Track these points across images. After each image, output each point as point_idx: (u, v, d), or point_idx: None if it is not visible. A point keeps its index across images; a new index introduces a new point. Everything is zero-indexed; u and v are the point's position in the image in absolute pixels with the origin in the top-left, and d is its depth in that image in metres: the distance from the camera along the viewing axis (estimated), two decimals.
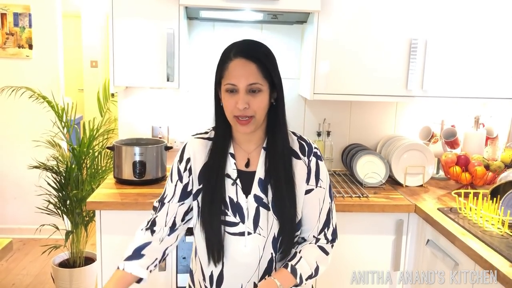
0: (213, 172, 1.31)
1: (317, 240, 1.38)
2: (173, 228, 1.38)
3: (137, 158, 2.25)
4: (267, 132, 1.34)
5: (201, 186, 1.33)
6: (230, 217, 1.31)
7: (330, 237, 1.38)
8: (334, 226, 1.39)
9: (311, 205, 1.36)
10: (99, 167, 3.05)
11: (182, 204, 1.37)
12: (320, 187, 1.36)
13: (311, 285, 1.48)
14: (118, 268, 1.32)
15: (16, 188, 3.93)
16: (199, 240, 1.37)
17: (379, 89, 2.34)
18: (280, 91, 1.31)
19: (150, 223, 1.39)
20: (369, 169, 2.39)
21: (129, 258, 1.32)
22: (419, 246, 2.13)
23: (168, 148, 2.41)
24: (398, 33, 2.29)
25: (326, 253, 1.37)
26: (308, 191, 1.36)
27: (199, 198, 1.34)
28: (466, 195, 2.05)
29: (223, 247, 1.31)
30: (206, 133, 1.40)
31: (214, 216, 1.30)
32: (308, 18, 2.40)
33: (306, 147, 1.37)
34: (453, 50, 2.32)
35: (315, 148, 1.38)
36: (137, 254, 1.33)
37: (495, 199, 1.95)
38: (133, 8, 2.19)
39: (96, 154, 3.03)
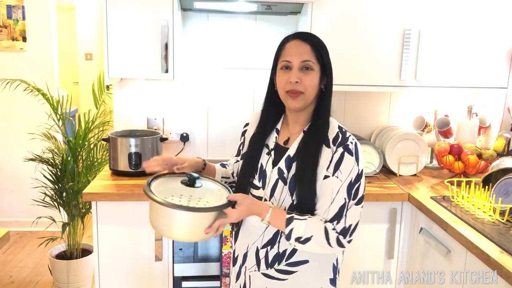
0: (256, 140, 1.51)
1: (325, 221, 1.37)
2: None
3: (133, 150, 2.26)
4: (312, 117, 1.44)
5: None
6: (256, 181, 1.47)
7: (338, 231, 1.35)
8: (346, 225, 1.35)
9: (324, 192, 1.37)
10: (95, 159, 3.05)
11: (237, 161, 1.61)
12: (337, 177, 1.35)
13: (333, 263, 1.47)
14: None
15: (12, 181, 3.93)
16: None
17: (373, 79, 2.35)
18: (330, 78, 1.42)
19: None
20: (363, 158, 2.41)
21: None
22: (412, 234, 2.16)
23: (163, 140, 2.42)
24: (392, 23, 2.30)
25: (328, 238, 1.33)
26: (324, 177, 1.37)
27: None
28: (459, 184, 2.07)
29: None
30: None
31: (245, 175, 1.49)
32: (302, 9, 2.40)
33: (340, 138, 1.38)
34: (446, 40, 2.33)
35: (350, 142, 1.37)
36: (223, 165, 1.69)
37: (487, 187, 1.98)
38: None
39: (92, 146, 3.03)
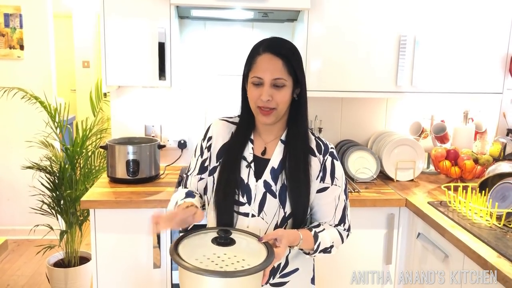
0: (232, 152, 1.40)
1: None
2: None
3: (131, 157, 2.27)
4: (288, 125, 1.42)
5: (218, 163, 1.42)
6: (239, 197, 1.38)
7: (346, 229, 1.46)
8: (349, 222, 1.47)
9: (326, 202, 1.42)
10: (93, 167, 3.05)
11: (201, 179, 1.46)
12: (336, 185, 1.42)
13: (313, 264, 1.51)
14: (176, 204, 1.37)
15: (9, 189, 3.92)
16: (210, 217, 1.45)
17: (370, 86, 2.36)
18: (304, 88, 1.38)
19: (183, 186, 1.52)
20: (360, 164, 2.42)
21: (185, 197, 1.39)
22: (410, 239, 2.17)
23: (161, 147, 2.42)
24: (387, 29, 2.32)
25: (342, 239, 1.44)
26: (323, 189, 1.41)
27: (215, 174, 1.42)
28: (456, 189, 2.08)
29: (233, 224, 1.38)
30: (231, 118, 1.48)
31: (228, 193, 1.37)
32: (298, 16, 2.42)
33: (323, 146, 1.43)
34: (442, 46, 2.35)
35: (331, 148, 1.44)
36: (190, 194, 1.42)
37: (483, 192, 1.99)
38: (124, 7, 2.20)
39: (90, 153, 3.04)
